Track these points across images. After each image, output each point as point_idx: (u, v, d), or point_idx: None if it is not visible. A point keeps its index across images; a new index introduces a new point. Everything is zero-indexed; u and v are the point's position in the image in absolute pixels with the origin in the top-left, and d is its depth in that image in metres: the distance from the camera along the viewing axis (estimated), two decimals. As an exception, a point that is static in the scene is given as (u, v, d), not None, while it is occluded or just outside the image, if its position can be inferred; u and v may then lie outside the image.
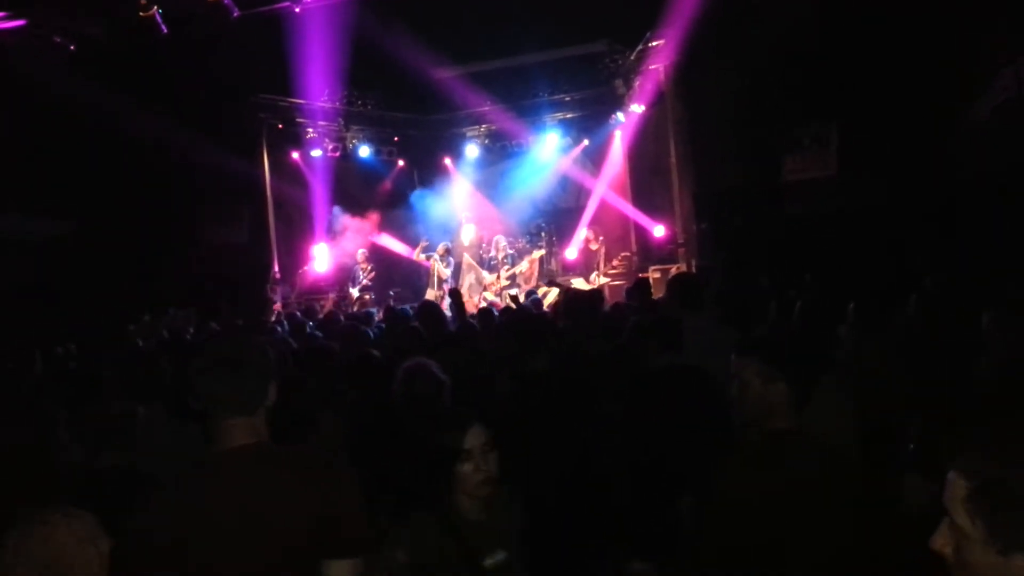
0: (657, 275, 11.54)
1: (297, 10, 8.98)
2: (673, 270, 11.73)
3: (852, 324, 3.69)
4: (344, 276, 14.00)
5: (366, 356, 4.00)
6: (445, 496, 2.35)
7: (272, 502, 1.88)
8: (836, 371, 3.26)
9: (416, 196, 15.63)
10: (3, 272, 12.01)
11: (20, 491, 2.09)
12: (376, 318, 7.74)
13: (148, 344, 6.19)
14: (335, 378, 3.99)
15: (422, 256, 13.70)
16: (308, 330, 7.35)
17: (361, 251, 13.84)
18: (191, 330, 8.90)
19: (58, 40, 9.39)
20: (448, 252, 13.55)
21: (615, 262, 13.70)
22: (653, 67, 12.03)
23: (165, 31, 9.04)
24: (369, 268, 13.60)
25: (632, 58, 12.52)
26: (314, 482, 1.93)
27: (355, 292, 13.35)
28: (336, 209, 14.72)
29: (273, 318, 11.30)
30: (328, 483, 1.95)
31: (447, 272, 13.38)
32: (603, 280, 12.96)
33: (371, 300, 12.96)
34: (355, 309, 12.06)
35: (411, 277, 14.48)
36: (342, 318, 7.86)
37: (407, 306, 8.61)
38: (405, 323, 5.43)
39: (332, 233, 14.58)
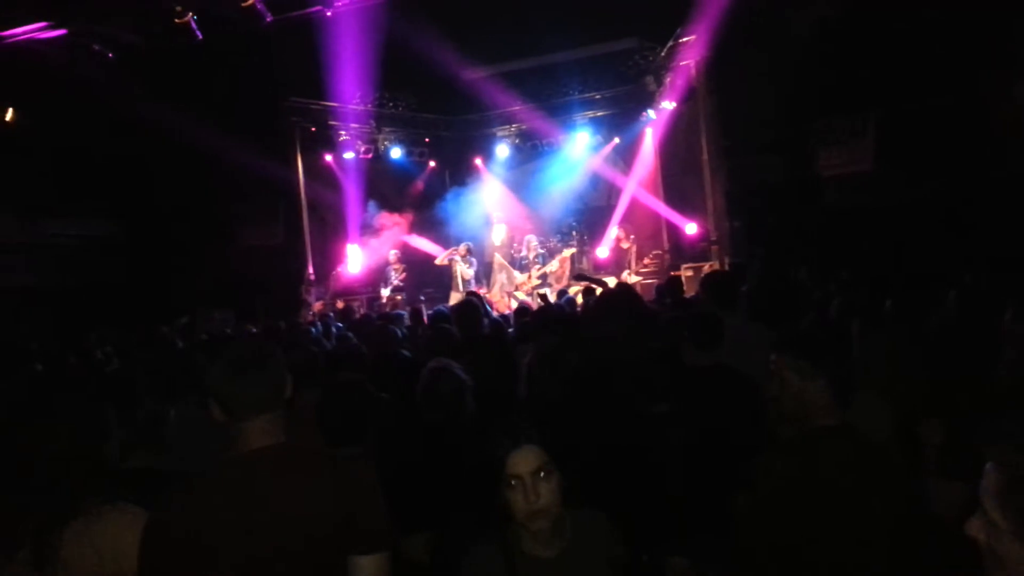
0: (690, 273, 11.44)
1: (328, 14, 9.06)
2: (706, 268, 11.61)
3: (864, 320, 3.62)
4: (377, 277, 14.10)
5: (391, 356, 4.03)
6: (497, 523, 2.10)
7: (293, 503, 1.91)
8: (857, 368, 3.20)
9: (449, 197, 15.71)
10: (46, 273, 12.35)
11: (75, 485, 2.22)
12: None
13: (185, 344, 6.29)
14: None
15: (445, 261, 13.69)
16: (336, 331, 7.41)
17: (393, 252, 13.91)
18: (228, 331, 9.05)
19: (97, 48, 9.60)
20: (470, 252, 13.50)
21: (647, 260, 13.61)
22: (684, 63, 11.93)
23: (200, 37, 9.20)
24: (401, 269, 13.67)
25: (663, 54, 12.43)
26: (333, 482, 1.97)
27: (386, 292, 13.43)
28: (372, 205, 14.83)
29: (310, 318, 11.45)
30: (347, 482, 1.99)
31: (470, 272, 13.37)
32: (635, 279, 12.88)
33: (402, 301, 13.02)
34: (388, 310, 12.13)
35: (443, 278, 14.53)
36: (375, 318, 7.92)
37: (443, 306, 8.67)
38: (443, 323, 5.46)
39: (370, 229, 14.69)
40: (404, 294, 13.42)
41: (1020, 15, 8.28)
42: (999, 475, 1.27)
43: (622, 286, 6.10)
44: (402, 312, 9.17)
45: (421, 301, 13.39)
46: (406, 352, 5.15)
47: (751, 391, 3.24)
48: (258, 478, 1.94)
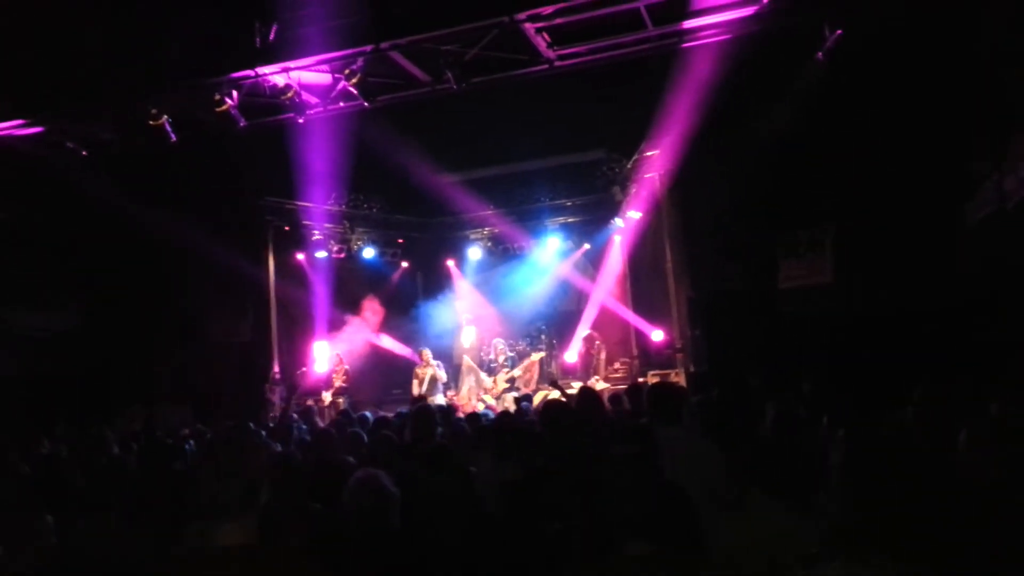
0: (656, 380, 11.45)
1: (301, 121, 9.32)
2: (672, 375, 11.65)
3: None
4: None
5: (333, 462, 3.96)
6: None
7: None
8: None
9: (420, 297, 15.85)
10: (8, 365, 12.11)
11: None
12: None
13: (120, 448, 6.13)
14: (296, 487, 3.93)
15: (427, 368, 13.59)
16: (297, 434, 7.27)
17: (335, 353, 13.80)
18: (186, 431, 8.83)
19: (71, 145, 9.78)
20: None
21: (616, 365, 13.65)
22: (649, 175, 12.33)
23: (174, 139, 9.41)
24: (343, 371, 13.46)
25: (629, 166, 12.86)
26: None
27: (327, 396, 13.17)
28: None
29: (270, 417, 11.25)
30: None
31: (443, 375, 13.39)
32: (603, 385, 12.87)
33: (344, 403, 12.76)
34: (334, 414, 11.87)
35: (411, 378, 14.46)
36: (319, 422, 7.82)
37: (401, 410, 8.59)
38: (386, 429, 5.39)
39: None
40: (346, 397, 13.16)
41: (974, 133, 8.67)
42: None
43: (580, 395, 6.14)
44: (367, 414, 9.04)
45: (375, 402, 13.26)
46: (351, 459, 5.07)
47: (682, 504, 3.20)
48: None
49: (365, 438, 5.85)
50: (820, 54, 7.93)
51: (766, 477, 3.44)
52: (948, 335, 8.51)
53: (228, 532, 2.22)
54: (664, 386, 4.88)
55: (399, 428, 5.99)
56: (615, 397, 7.17)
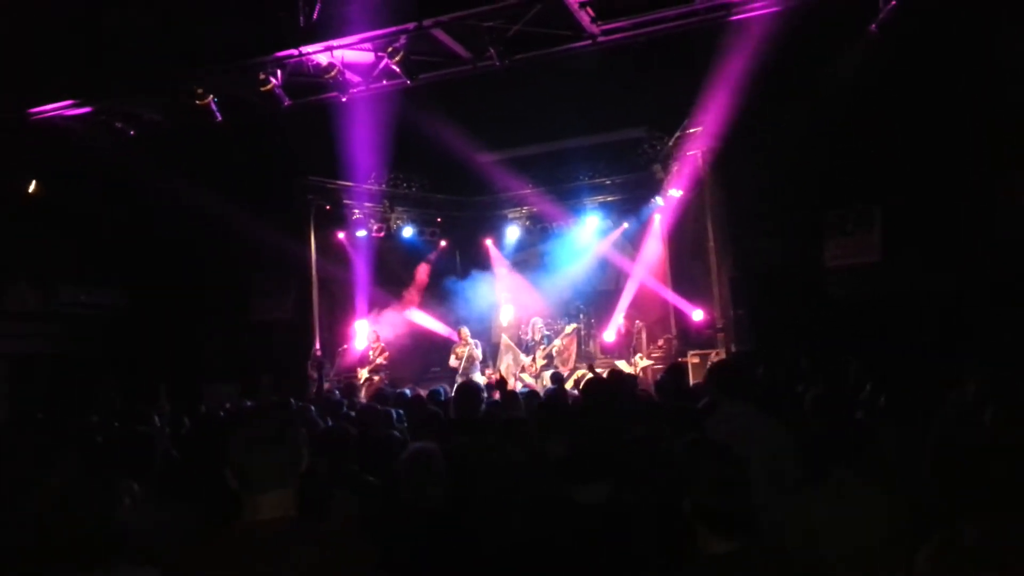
0: (696, 360, 11.38)
1: (344, 99, 9.35)
2: (712, 355, 11.54)
3: (872, 412, 3.50)
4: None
5: (380, 437, 4.00)
6: None
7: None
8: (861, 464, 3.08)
9: (459, 276, 15.89)
10: (61, 342, 12.47)
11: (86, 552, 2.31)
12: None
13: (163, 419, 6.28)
14: (349, 459, 3.98)
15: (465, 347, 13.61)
16: (343, 410, 7.35)
17: (372, 330, 13.89)
18: (227, 405, 9.01)
19: (119, 125, 9.93)
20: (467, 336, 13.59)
21: (660, 343, 13.59)
22: (691, 153, 12.16)
23: (220, 118, 9.50)
24: (379, 348, 13.53)
25: (670, 144, 12.70)
26: (334, 557, 2.03)
27: (364, 373, 13.27)
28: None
29: (313, 392, 11.42)
30: (348, 558, 2.05)
31: (478, 353, 13.41)
32: (646, 362, 12.83)
33: (381, 380, 12.85)
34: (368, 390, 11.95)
35: (449, 356, 14.54)
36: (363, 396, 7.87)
37: (441, 387, 8.63)
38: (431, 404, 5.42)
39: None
40: (384, 374, 13.23)
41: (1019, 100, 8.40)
42: None
43: (615, 374, 6.10)
44: (407, 391, 9.09)
45: (412, 381, 13.33)
46: (397, 433, 5.12)
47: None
48: (260, 550, 2.00)
49: (394, 415, 5.90)
50: (874, 26, 7.69)
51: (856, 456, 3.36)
52: (1003, 314, 8.31)
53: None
54: (726, 362, 4.82)
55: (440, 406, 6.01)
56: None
